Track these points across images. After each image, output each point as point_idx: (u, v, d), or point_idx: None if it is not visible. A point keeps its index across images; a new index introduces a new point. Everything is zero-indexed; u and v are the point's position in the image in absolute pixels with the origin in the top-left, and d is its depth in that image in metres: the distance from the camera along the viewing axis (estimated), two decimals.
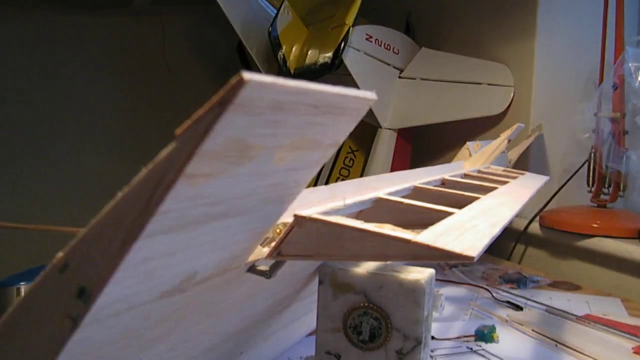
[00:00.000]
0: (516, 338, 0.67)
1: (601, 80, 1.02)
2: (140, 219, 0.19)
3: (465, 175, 0.70)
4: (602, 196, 1.01)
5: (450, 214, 0.36)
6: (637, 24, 1.17)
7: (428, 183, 0.57)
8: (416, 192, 0.52)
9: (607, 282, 0.93)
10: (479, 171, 0.75)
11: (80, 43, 1.58)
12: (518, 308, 0.77)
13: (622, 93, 0.97)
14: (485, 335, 0.65)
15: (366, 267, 0.44)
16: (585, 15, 1.11)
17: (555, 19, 1.11)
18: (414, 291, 0.42)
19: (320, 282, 0.45)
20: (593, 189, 1.02)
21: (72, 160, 1.56)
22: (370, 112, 1.30)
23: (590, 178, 1.02)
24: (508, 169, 0.85)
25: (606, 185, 1.01)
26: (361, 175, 1.60)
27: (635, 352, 0.63)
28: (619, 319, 0.75)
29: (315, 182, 1.56)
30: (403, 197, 0.47)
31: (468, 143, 0.81)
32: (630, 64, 0.95)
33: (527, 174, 0.82)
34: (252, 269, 0.32)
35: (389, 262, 0.65)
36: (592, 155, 1.01)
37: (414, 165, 1.41)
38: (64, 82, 1.56)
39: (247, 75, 0.17)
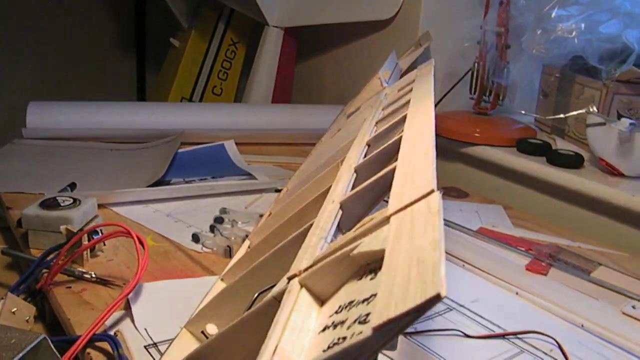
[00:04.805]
0: None
1: None
2: None
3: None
4: (483, 104, 1.10)
5: None
6: None
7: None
8: None
9: (490, 188, 1.04)
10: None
11: None
12: None
13: (507, 9, 1.02)
14: None
15: None
16: None
17: None
18: None
19: None
20: (475, 96, 1.10)
21: None
22: (255, 7, 1.24)
23: (473, 86, 1.10)
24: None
25: (487, 94, 1.09)
26: (242, 70, 1.55)
27: (527, 270, 0.73)
28: (506, 230, 0.85)
29: (198, 74, 1.50)
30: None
31: (379, 72, 0.83)
32: None
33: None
34: None
35: None
36: (477, 65, 1.08)
37: (300, 68, 1.40)
38: None
39: (443, 291, 0.19)
